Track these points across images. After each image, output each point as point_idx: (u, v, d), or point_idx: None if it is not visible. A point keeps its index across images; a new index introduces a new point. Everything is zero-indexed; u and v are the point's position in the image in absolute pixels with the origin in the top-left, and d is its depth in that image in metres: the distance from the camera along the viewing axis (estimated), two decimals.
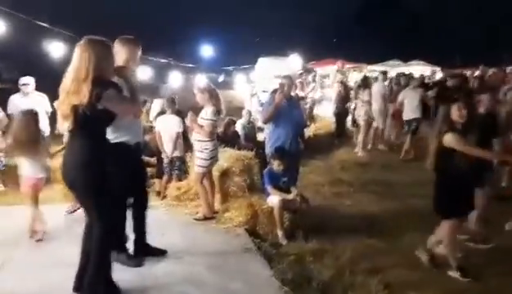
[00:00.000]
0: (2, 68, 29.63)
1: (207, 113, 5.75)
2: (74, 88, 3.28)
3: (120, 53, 4.13)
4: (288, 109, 6.05)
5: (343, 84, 13.67)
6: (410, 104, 10.28)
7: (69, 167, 3.46)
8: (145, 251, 4.55)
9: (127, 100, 3.73)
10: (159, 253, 4.63)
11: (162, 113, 7.67)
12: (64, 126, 3.47)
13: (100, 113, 3.34)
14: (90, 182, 3.41)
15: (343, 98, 12.80)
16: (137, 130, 4.35)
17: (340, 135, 12.52)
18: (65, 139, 4.34)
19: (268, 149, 6.00)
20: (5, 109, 7.90)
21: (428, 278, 4.49)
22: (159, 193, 7.08)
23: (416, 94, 10.40)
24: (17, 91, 8.21)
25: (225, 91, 28.72)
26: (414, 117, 10.21)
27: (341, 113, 12.76)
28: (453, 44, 35.37)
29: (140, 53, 4.35)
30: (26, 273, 4.23)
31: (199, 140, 5.80)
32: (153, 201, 6.50)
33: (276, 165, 5.55)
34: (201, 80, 11.38)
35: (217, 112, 5.82)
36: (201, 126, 5.73)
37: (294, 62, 15.96)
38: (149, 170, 7.79)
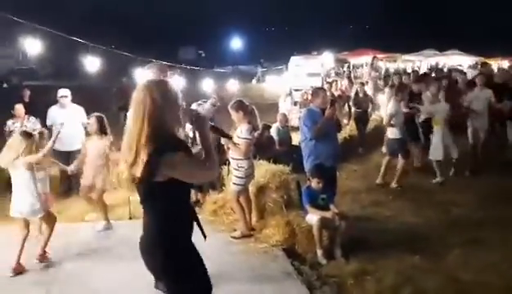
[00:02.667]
0: (38, 67, 30.46)
1: (242, 131, 5.66)
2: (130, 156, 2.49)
3: None
4: (328, 124, 5.93)
5: (362, 84, 12.71)
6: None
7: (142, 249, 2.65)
8: None
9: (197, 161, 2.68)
10: None
11: None
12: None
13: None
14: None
15: (362, 99, 11.58)
16: None
17: (362, 143, 11.15)
18: None
19: (307, 166, 5.87)
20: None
21: None
22: (196, 204, 7.08)
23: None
24: (53, 87, 8.38)
25: (257, 84, 29.00)
26: None
27: (360, 118, 11.42)
28: (492, 33, 34.13)
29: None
30: None
31: (234, 159, 5.73)
32: None
33: (314, 183, 5.44)
34: (234, 85, 11.32)
35: (253, 129, 5.72)
36: (237, 145, 5.65)
37: (326, 60, 15.71)
38: None
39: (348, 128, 11.42)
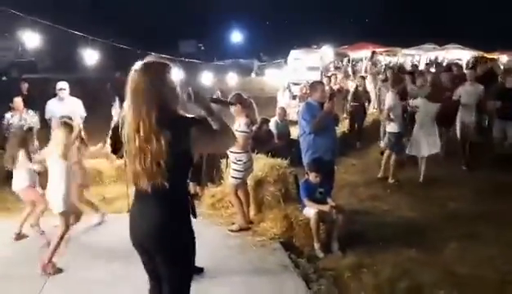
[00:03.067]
0: (37, 60, 30.35)
1: (240, 125, 5.67)
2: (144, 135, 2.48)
3: None
4: (326, 118, 5.94)
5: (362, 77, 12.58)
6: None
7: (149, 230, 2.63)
8: None
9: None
10: (197, 271, 4.62)
11: None
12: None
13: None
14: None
15: (361, 93, 11.43)
16: None
17: (358, 138, 11.09)
18: None
19: (305, 159, 5.89)
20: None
21: None
22: (194, 197, 7.09)
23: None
24: (52, 80, 8.39)
25: (257, 77, 28.93)
26: None
27: (355, 112, 11.25)
28: (492, 27, 34.06)
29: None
30: None
31: (232, 152, 5.74)
32: None
33: (312, 177, 5.46)
34: (232, 79, 11.31)
35: (251, 122, 5.73)
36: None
37: (325, 53, 15.69)
38: None
39: (347, 122, 11.42)
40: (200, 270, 4.64)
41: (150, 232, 2.60)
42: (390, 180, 8.17)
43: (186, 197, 2.71)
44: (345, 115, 11.92)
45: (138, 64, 2.59)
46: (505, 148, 8.81)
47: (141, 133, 2.47)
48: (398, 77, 9.73)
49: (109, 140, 2.80)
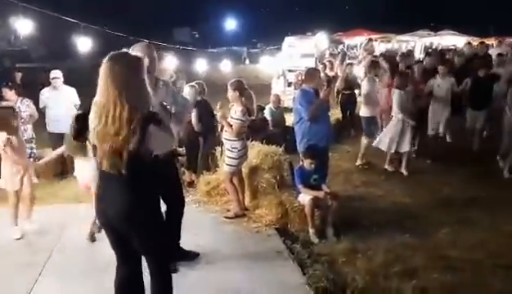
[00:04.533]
0: (30, 48, 30.14)
1: (236, 112, 5.68)
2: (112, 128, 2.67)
3: None
4: (322, 105, 5.97)
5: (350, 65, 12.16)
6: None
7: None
8: (179, 256, 4.57)
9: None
10: (193, 256, 4.67)
11: None
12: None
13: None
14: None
15: (350, 81, 11.05)
16: None
17: (351, 125, 10.77)
18: None
19: (300, 147, 5.92)
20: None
21: (465, 282, 4.41)
22: (190, 184, 7.14)
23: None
24: (46, 69, 8.34)
25: (251, 65, 28.84)
26: None
27: (345, 101, 11.04)
28: (487, 13, 33.99)
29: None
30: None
31: (228, 139, 5.76)
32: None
33: (307, 163, 5.50)
34: (226, 66, 11.27)
35: (248, 112, 5.74)
36: (230, 126, 5.68)
37: (320, 40, 15.65)
38: (180, 159, 7.92)
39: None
40: (196, 255, 4.69)
41: (116, 214, 2.81)
42: (357, 163, 8.28)
43: (149, 182, 2.84)
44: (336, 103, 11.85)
45: (111, 55, 2.73)
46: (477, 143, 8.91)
47: (107, 123, 2.64)
48: (374, 62, 9.60)
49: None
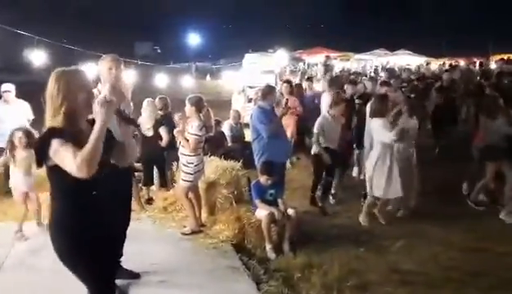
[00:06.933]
0: None
1: (193, 126, 5.65)
2: None
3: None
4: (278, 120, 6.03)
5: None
6: None
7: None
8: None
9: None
10: (132, 276, 4.50)
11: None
12: None
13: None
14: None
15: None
16: None
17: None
18: None
19: (258, 162, 5.93)
20: None
21: None
22: (148, 201, 7.03)
23: None
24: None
25: (214, 80, 28.91)
26: None
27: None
28: (441, 33, 35.43)
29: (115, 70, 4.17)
30: None
31: (183, 154, 5.72)
32: (138, 212, 6.48)
33: (263, 179, 5.50)
34: (188, 82, 11.24)
35: (204, 127, 5.72)
36: (186, 140, 5.65)
37: (280, 57, 15.87)
38: (137, 175, 7.79)
39: None
40: (137, 276, 4.54)
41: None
42: None
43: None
44: None
45: (55, 70, 2.71)
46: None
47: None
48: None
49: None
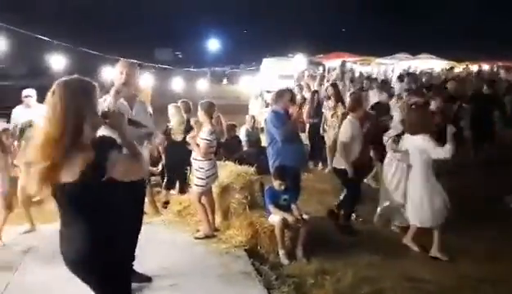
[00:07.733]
0: (7, 66, 29.80)
1: (204, 132, 5.68)
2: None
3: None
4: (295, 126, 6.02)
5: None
6: None
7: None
8: None
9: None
10: (144, 280, 4.52)
11: None
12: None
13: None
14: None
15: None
16: None
17: (314, 156, 9.78)
18: None
19: (274, 167, 5.92)
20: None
21: None
22: (165, 204, 7.09)
23: None
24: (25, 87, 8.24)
25: (231, 85, 28.97)
26: None
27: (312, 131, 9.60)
28: (464, 36, 34.92)
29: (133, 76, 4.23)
30: None
31: (195, 159, 5.76)
32: (152, 215, 6.52)
33: (276, 184, 5.48)
34: (205, 86, 11.31)
35: (214, 132, 5.75)
36: (197, 145, 5.67)
37: (298, 62, 15.83)
38: (153, 179, 7.86)
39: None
40: (148, 279, 4.56)
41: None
42: None
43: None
44: None
45: (60, 80, 2.55)
46: None
47: None
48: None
49: None
